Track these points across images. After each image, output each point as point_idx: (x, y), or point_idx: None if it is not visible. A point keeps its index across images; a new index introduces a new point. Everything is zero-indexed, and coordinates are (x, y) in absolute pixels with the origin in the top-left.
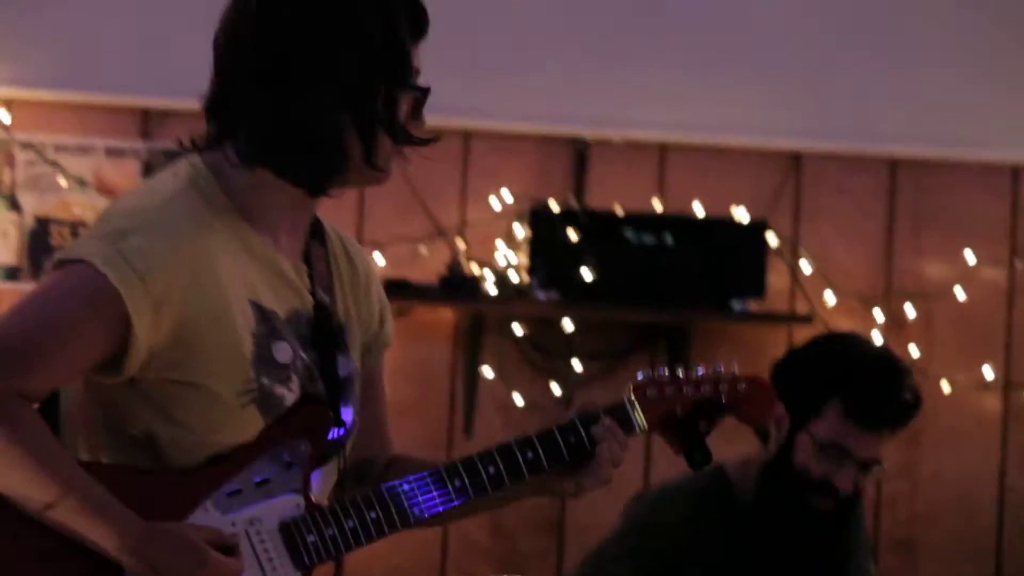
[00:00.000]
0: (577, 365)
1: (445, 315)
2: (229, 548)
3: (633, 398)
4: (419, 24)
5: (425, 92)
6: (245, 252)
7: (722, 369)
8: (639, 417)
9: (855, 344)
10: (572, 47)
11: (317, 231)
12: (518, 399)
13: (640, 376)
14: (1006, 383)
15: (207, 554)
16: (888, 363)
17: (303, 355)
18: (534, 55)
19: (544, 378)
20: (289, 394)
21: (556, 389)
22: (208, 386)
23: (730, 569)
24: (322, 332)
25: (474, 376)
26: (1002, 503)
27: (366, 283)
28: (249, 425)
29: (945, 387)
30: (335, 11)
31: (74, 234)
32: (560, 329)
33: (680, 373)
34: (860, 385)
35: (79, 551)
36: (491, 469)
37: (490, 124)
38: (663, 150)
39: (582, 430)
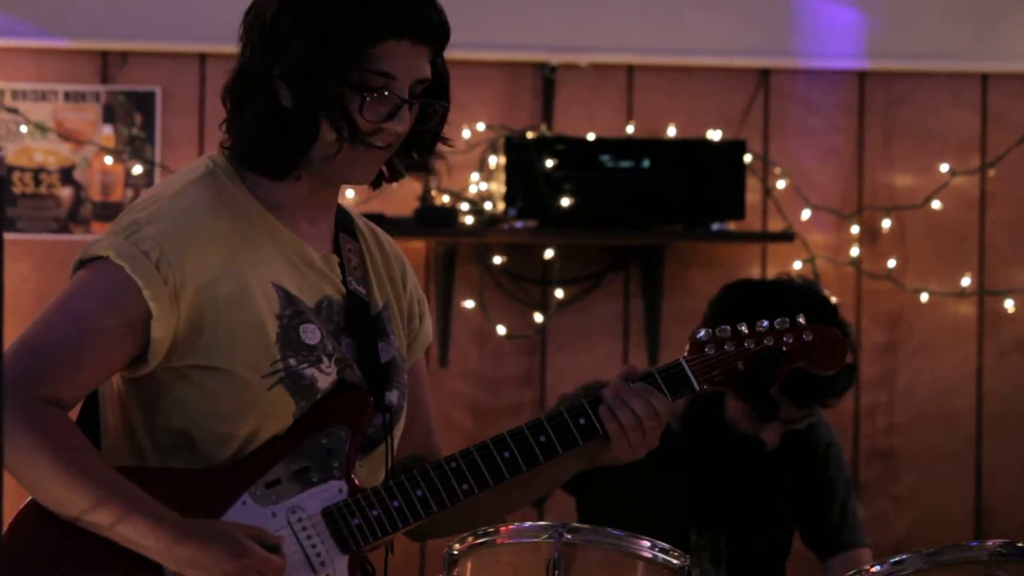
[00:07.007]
0: (558, 292)
1: (416, 247)
2: (273, 547)
3: (689, 357)
4: (393, 24)
5: (379, 92)
6: (271, 241)
7: (786, 321)
8: (693, 377)
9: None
10: None
11: (347, 225)
12: (496, 329)
13: (701, 334)
14: (981, 290)
15: (245, 545)
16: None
17: (336, 342)
18: None
19: (521, 306)
20: (321, 376)
21: (535, 317)
22: (231, 370)
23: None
24: (357, 319)
25: (448, 306)
26: (980, 409)
27: (402, 278)
28: (279, 407)
29: (923, 297)
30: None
31: (36, 181)
32: (536, 257)
33: (742, 328)
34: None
35: (118, 553)
36: (542, 438)
37: (454, 54)
38: (630, 72)
39: (590, 411)
